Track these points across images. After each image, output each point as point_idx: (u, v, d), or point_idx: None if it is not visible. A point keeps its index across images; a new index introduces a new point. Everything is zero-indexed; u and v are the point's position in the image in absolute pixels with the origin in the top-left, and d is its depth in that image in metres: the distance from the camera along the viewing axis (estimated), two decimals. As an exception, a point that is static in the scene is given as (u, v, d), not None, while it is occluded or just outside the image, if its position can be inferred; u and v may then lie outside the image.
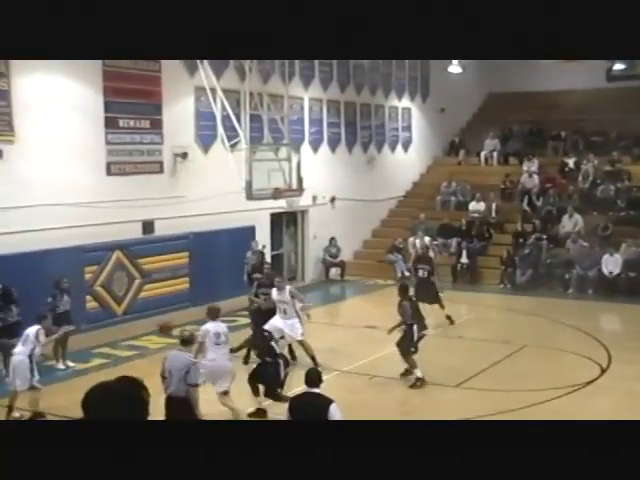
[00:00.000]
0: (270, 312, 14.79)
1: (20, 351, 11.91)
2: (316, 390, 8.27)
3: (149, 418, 3.29)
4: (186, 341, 10.54)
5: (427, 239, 22.41)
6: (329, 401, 8.03)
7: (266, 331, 13.09)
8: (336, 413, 7.86)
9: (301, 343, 14.51)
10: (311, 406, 8.04)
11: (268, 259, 22.65)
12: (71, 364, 14.74)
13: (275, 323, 14.25)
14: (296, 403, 8.23)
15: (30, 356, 11.86)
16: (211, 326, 11.86)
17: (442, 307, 17.66)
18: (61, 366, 14.64)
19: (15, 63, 15.55)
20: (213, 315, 12.09)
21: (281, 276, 15.84)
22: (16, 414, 11.84)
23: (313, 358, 14.28)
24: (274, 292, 14.71)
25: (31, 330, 12.09)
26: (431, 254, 21.67)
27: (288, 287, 14.88)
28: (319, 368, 13.68)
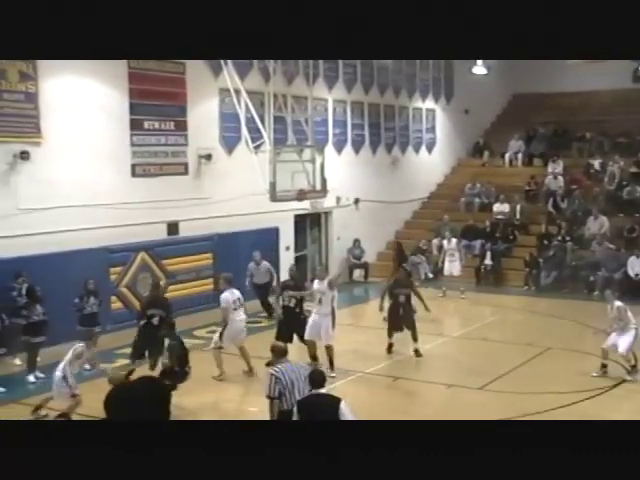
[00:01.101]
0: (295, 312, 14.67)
1: (59, 367, 11.81)
2: (322, 390, 8.29)
3: (170, 418, 3.33)
4: (285, 352, 9.75)
5: (454, 241, 22.39)
6: (338, 400, 8.05)
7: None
8: (347, 411, 7.86)
9: (327, 347, 14.10)
10: (321, 406, 8.04)
11: (292, 261, 22.72)
12: (96, 364, 14.85)
13: (313, 327, 14.08)
14: (305, 405, 8.21)
15: (63, 369, 11.75)
16: (229, 294, 13.99)
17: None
18: (87, 366, 14.74)
19: (42, 65, 15.70)
20: (229, 283, 14.26)
21: (321, 266, 15.57)
22: (42, 412, 11.94)
23: (331, 363, 13.92)
24: (315, 282, 14.57)
25: (75, 346, 12.02)
26: (458, 257, 21.87)
27: (328, 277, 14.77)
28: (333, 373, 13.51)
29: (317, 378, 8.45)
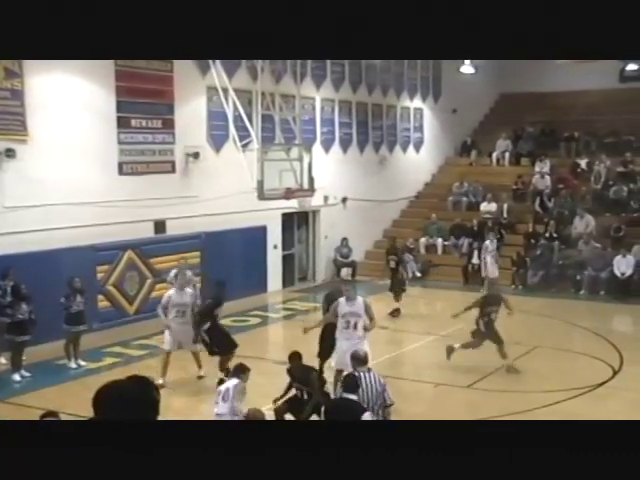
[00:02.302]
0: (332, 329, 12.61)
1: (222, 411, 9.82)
2: (352, 396, 8.23)
3: (159, 418, 3.31)
4: (365, 360, 9.34)
5: (496, 242, 22.08)
6: (363, 409, 8.01)
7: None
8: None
9: None
10: (345, 411, 7.99)
11: (280, 259, 22.70)
12: (83, 363, 14.79)
13: (344, 356, 11.43)
14: (331, 407, 8.21)
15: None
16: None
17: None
18: (73, 365, 14.69)
19: (28, 63, 15.61)
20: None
21: (351, 284, 13.46)
22: None
23: None
24: (342, 302, 12.26)
25: (231, 384, 10.04)
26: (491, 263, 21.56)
27: (361, 297, 12.68)
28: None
29: (349, 383, 8.32)
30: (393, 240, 21.19)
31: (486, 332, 14.54)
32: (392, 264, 19.41)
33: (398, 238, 24.07)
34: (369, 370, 9.17)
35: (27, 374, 13.99)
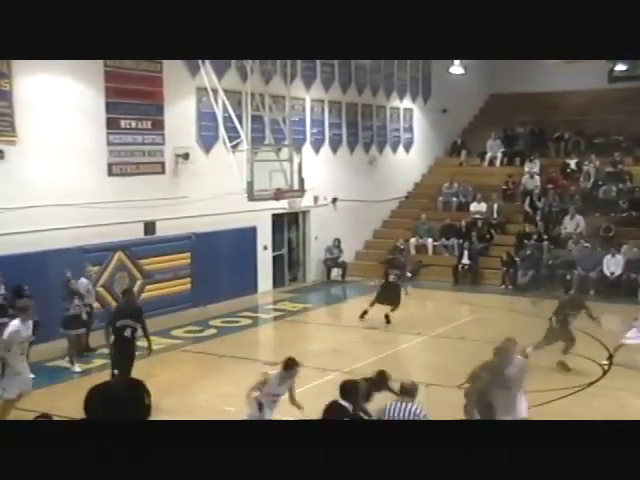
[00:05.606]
0: None
1: None
2: (344, 403, 8.28)
3: (149, 418, 3.30)
4: (410, 391, 8.52)
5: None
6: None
7: None
8: None
9: None
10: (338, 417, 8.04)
11: (270, 260, 22.67)
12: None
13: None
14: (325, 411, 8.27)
15: None
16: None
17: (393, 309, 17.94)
18: (77, 369, 14.48)
19: (17, 63, 15.56)
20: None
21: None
22: None
23: None
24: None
25: None
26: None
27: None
28: None
29: (345, 390, 8.53)
30: (397, 251, 20.92)
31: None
32: (393, 278, 18.53)
33: (389, 239, 24.13)
34: (408, 402, 8.33)
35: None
